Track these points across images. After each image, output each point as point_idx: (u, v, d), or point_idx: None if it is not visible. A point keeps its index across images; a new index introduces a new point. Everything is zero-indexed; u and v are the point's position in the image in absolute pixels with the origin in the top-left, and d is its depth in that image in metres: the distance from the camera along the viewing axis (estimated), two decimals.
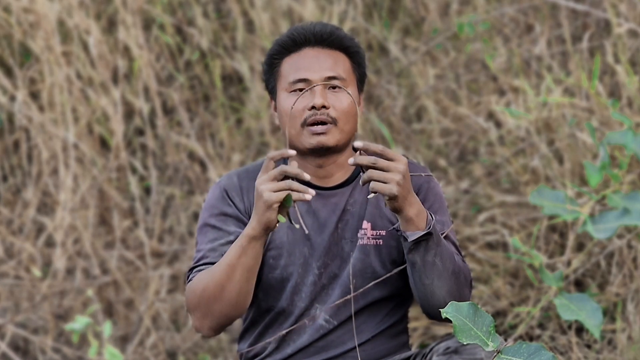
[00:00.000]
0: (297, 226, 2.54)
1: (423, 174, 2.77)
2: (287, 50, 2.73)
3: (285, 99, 2.70)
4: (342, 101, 2.69)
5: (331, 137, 2.68)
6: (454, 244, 2.76)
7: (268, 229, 2.52)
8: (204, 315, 2.64)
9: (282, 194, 2.46)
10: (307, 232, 2.53)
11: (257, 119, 4.50)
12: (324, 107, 2.66)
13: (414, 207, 2.55)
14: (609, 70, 4.05)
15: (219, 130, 4.52)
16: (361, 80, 2.78)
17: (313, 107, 2.66)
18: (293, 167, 2.47)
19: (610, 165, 3.15)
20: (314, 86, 2.68)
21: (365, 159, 2.49)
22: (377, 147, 2.50)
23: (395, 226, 2.62)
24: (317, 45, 2.73)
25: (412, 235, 2.56)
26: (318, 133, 2.67)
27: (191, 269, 2.72)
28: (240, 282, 2.58)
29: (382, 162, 2.49)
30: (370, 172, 2.49)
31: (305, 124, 2.67)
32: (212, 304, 2.61)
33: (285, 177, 2.48)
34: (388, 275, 2.71)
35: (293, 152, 2.49)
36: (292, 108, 2.67)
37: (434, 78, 4.39)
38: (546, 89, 3.98)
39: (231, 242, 2.68)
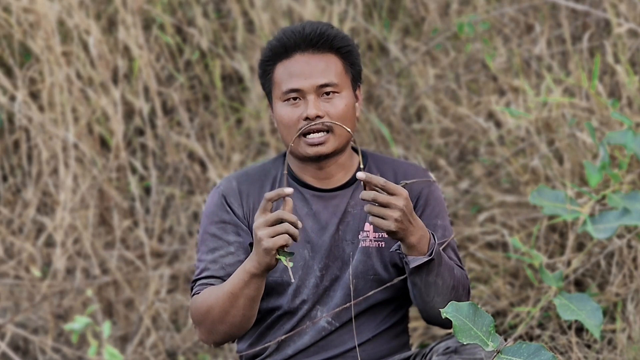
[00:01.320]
0: (291, 264, 2.53)
1: (429, 179, 2.77)
2: (278, 56, 2.71)
3: (280, 109, 2.70)
4: (336, 107, 2.68)
5: (329, 146, 2.68)
6: (453, 249, 2.76)
7: (268, 269, 2.54)
8: (209, 332, 2.67)
9: (280, 240, 2.46)
10: (293, 280, 2.55)
11: (257, 119, 4.50)
12: (318, 116, 2.66)
13: (416, 235, 2.55)
14: (609, 70, 4.05)
15: (219, 130, 4.52)
16: (356, 78, 2.76)
17: (307, 118, 2.66)
18: (290, 214, 2.46)
19: (610, 165, 3.15)
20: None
21: (367, 195, 2.49)
22: (379, 180, 2.49)
23: (397, 249, 2.62)
24: (307, 50, 2.69)
25: (414, 262, 2.57)
26: (315, 144, 2.67)
27: (194, 281, 2.74)
28: (244, 309, 2.61)
29: (381, 198, 2.49)
30: (370, 207, 2.50)
31: (301, 133, 2.67)
32: (217, 325, 2.65)
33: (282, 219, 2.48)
34: (391, 283, 2.72)
35: (290, 191, 2.47)
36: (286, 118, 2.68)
37: (434, 78, 4.39)
38: (546, 89, 3.98)
39: (231, 252, 2.71)
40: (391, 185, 2.50)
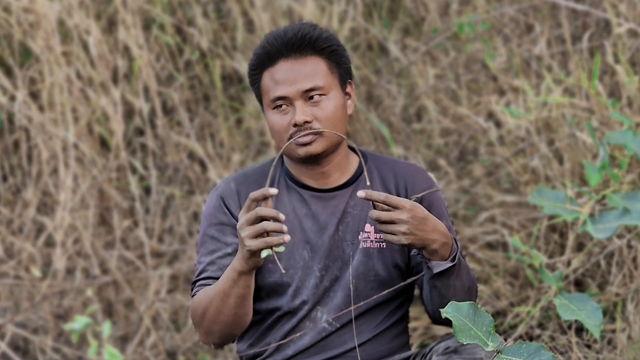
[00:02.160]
0: (282, 249, 2.53)
1: (437, 189, 2.78)
2: (263, 64, 2.71)
3: (270, 116, 2.71)
4: (324, 109, 2.68)
5: (317, 146, 2.68)
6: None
7: (255, 267, 2.55)
8: (208, 333, 2.69)
9: (261, 244, 2.45)
10: (283, 271, 2.55)
11: (257, 119, 4.50)
12: (306, 122, 2.66)
13: (437, 242, 2.55)
14: (609, 70, 4.05)
15: (219, 130, 4.52)
16: (344, 76, 2.75)
17: (296, 124, 2.66)
18: (268, 209, 2.45)
19: (610, 165, 3.15)
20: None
21: (373, 214, 2.50)
22: (380, 196, 2.50)
23: (419, 252, 2.62)
24: (290, 55, 2.69)
25: (438, 267, 2.58)
26: (304, 144, 2.67)
27: (194, 282, 2.76)
28: (236, 308, 2.62)
29: (384, 217, 2.49)
30: (379, 226, 2.51)
31: (291, 138, 2.68)
32: (213, 325, 2.66)
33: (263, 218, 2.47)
34: (394, 288, 2.72)
35: (274, 191, 2.46)
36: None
37: (434, 78, 4.39)
38: (546, 89, 3.98)
39: (229, 254, 2.71)
40: (392, 199, 2.50)
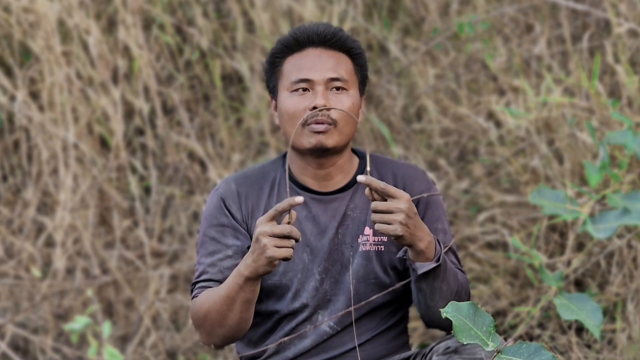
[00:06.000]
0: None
1: (436, 193, 2.79)
2: (289, 49, 2.73)
3: (287, 98, 2.70)
4: (343, 103, 2.69)
5: (330, 139, 2.68)
6: (453, 252, 2.77)
7: (265, 274, 2.56)
8: (209, 335, 2.68)
9: (285, 252, 2.47)
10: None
11: (257, 119, 4.50)
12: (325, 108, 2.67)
13: (424, 241, 2.56)
14: (609, 70, 4.05)
15: (219, 130, 4.52)
16: (363, 83, 2.78)
17: (314, 108, 2.66)
18: (296, 231, 2.48)
19: (610, 165, 3.16)
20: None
21: (372, 205, 2.51)
22: (379, 184, 2.50)
23: (403, 255, 2.62)
24: (320, 45, 2.72)
25: (422, 268, 2.57)
26: (318, 132, 2.67)
27: (194, 284, 2.75)
28: (241, 312, 2.62)
29: (381, 206, 2.50)
30: (373, 216, 2.51)
31: (306, 123, 2.67)
32: (215, 328, 2.66)
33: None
34: (393, 288, 2.72)
35: (300, 200, 2.48)
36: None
37: (434, 78, 4.39)
38: (546, 89, 3.98)
39: (229, 256, 2.71)
40: (391, 188, 2.50)
